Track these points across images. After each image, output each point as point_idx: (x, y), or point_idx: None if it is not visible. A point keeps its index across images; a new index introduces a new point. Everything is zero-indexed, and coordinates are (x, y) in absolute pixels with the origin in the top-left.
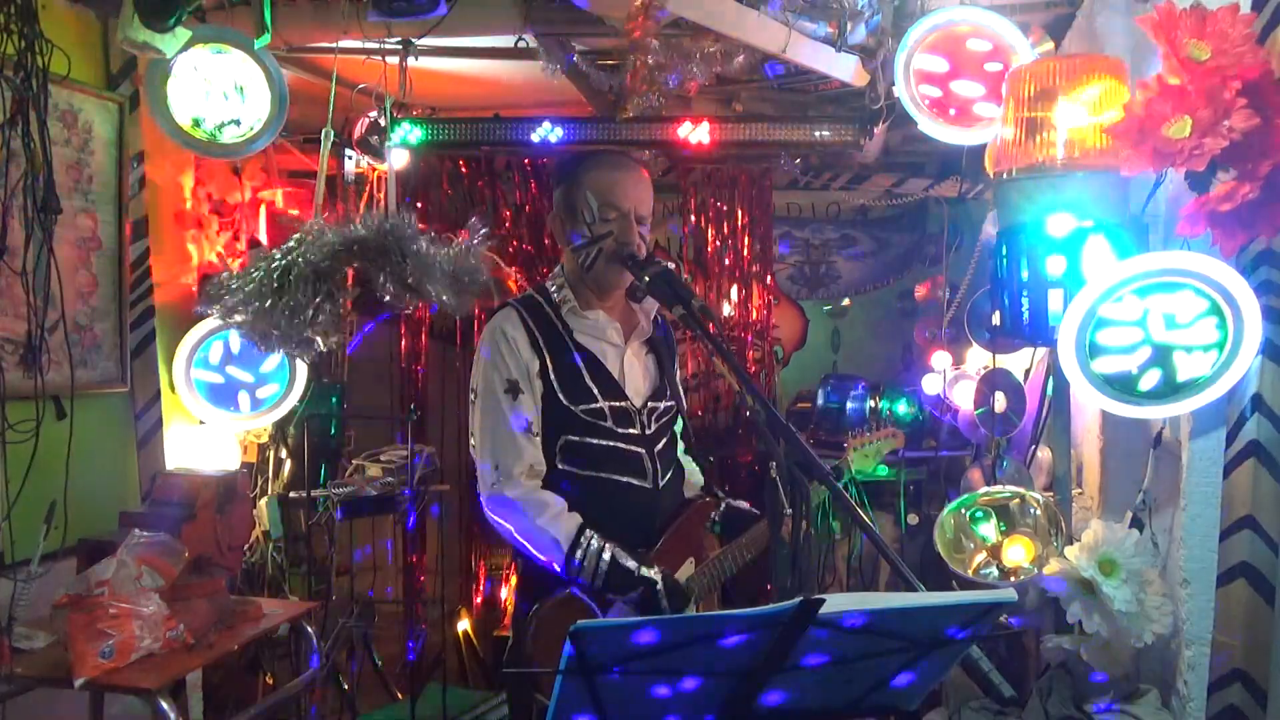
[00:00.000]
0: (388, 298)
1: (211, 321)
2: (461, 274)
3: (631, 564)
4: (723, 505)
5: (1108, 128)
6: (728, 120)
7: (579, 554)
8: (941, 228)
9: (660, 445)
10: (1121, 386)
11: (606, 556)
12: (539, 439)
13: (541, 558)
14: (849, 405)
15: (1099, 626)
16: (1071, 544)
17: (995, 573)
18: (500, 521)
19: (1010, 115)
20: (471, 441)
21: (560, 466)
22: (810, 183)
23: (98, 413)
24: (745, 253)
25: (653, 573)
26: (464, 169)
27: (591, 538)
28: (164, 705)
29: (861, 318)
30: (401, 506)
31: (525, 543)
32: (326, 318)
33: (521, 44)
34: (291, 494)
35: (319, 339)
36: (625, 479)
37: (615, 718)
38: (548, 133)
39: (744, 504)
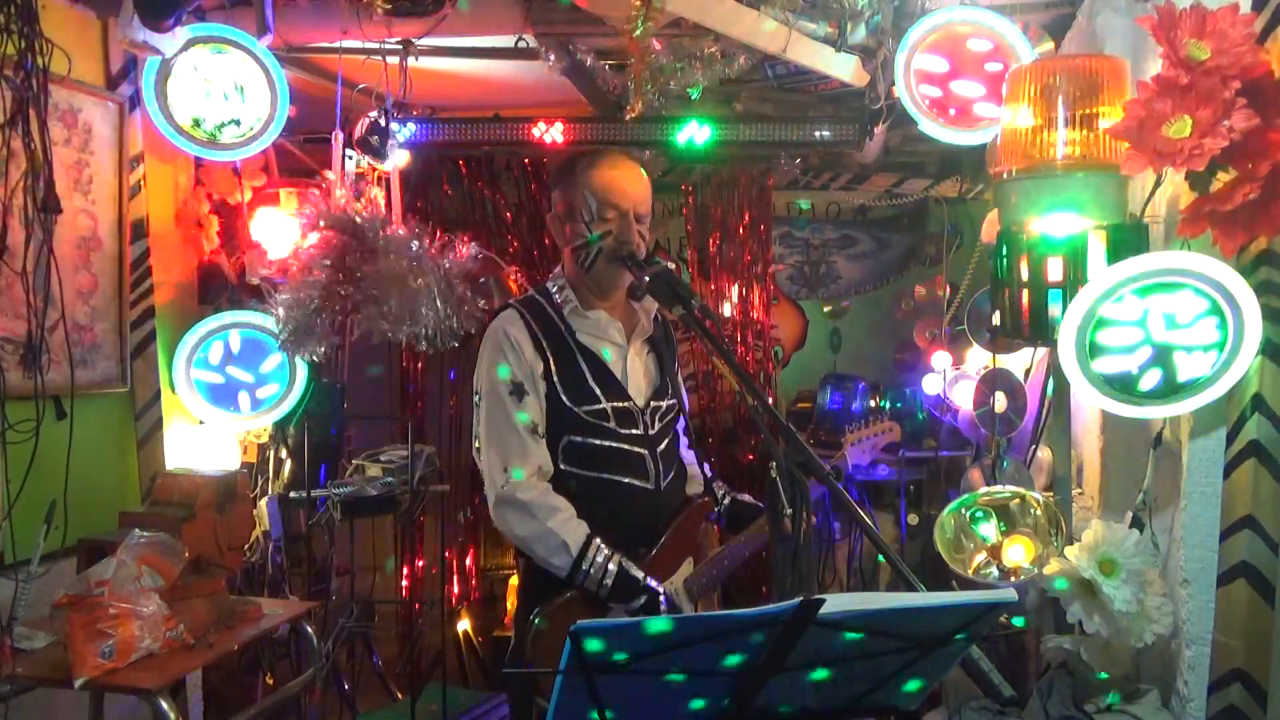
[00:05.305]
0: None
1: (211, 321)
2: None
3: (638, 574)
4: (726, 500)
5: (1108, 128)
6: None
7: (586, 562)
8: (941, 228)
9: (663, 445)
10: (1121, 386)
11: (613, 566)
12: (544, 440)
13: (548, 561)
14: (849, 405)
15: (1099, 626)
16: (1071, 544)
17: (995, 573)
18: (508, 523)
19: (1010, 115)
20: (475, 444)
21: (562, 467)
22: (810, 183)
23: (98, 413)
24: (745, 253)
25: (658, 585)
26: (464, 169)
27: (600, 547)
28: (164, 705)
29: (861, 318)
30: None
31: (532, 545)
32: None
33: (521, 44)
34: (291, 494)
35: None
36: (627, 480)
37: (615, 718)
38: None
39: (747, 496)
